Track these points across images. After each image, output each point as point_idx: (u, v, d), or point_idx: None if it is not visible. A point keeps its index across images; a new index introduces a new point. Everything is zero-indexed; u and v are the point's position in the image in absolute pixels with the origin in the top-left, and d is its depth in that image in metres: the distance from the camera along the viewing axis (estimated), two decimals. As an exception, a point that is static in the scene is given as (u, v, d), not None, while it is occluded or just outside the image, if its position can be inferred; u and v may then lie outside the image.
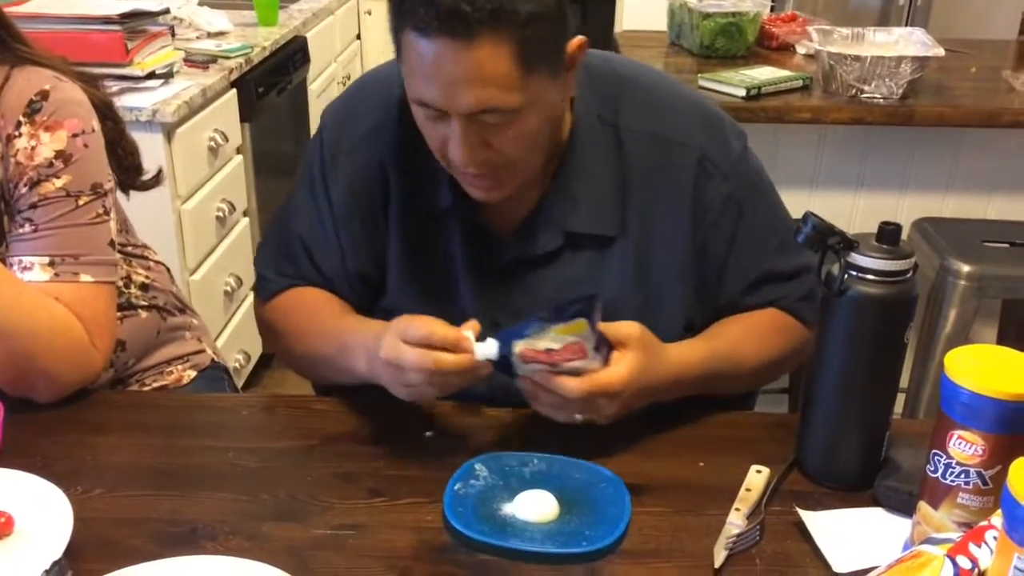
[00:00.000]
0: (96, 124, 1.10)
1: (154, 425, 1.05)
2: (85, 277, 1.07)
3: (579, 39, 0.95)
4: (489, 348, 0.90)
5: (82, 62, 1.87)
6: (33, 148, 1.04)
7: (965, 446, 0.76)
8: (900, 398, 2.00)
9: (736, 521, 0.87)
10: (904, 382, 2.01)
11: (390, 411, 1.02)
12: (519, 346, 0.89)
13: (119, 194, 1.20)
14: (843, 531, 0.87)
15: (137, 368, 1.26)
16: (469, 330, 0.91)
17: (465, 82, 0.88)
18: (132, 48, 1.98)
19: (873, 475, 0.93)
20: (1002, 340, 2.22)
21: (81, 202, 1.07)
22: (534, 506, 0.84)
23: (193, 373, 1.30)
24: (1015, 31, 3.68)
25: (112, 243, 1.11)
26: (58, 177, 1.05)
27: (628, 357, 0.91)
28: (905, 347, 0.92)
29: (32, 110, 1.05)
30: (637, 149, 1.04)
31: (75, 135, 1.07)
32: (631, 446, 0.98)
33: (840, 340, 0.91)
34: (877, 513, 0.91)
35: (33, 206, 1.05)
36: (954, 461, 0.77)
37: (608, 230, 1.05)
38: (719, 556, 0.83)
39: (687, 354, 1.00)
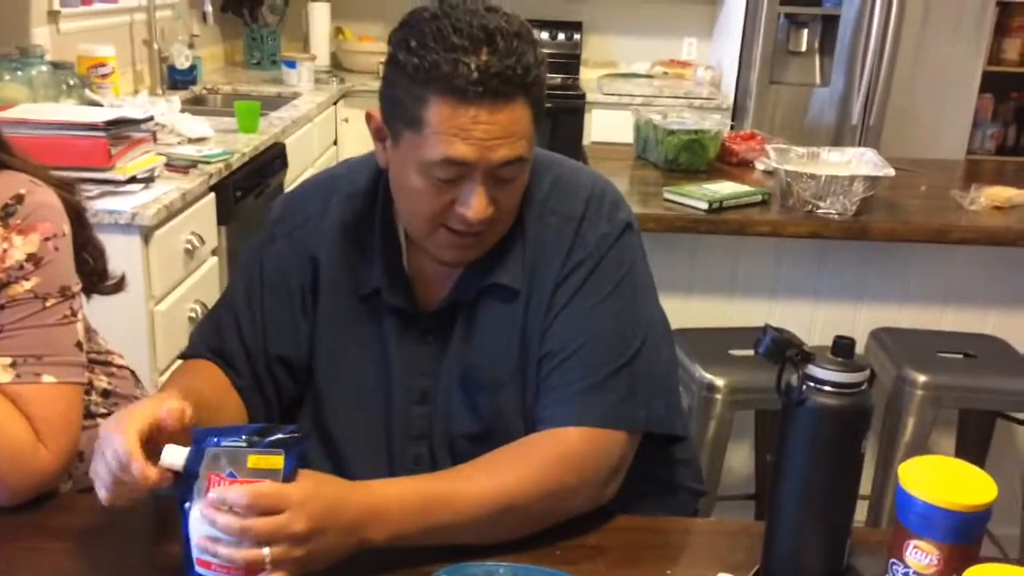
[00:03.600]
0: (67, 228, 1.13)
1: (121, 529, 1.03)
2: (47, 378, 1.07)
3: None
4: (175, 456, 0.88)
5: (65, 166, 1.94)
6: (4, 251, 1.06)
7: (921, 555, 0.78)
8: (863, 505, 2.03)
9: (703, 630, 0.88)
10: (866, 490, 2.05)
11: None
12: (204, 462, 0.86)
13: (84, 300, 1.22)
14: (808, 640, 0.89)
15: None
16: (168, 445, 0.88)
17: (502, 138, 0.98)
18: (115, 153, 2.02)
19: (836, 583, 0.95)
20: (960, 448, 2.26)
21: (48, 303, 1.08)
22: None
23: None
24: (963, 151, 3.88)
25: (79, 344, 1.12)
26: (27, 279, 1.07)
27: (300, 477, 0.88)
28: (862, 457, 0.95)
29: (6, 213, 1.07)
30: (537, 220, 1.10)
31: (47, 239, 1.09)
32: (598, 555, 0.99)
33: (800, 449, 0.95)
34: (841, 622, 0.92)
35: (0, 307, 1.07)
36: (911, 570, 0.79)
37: (515, 283, 1.10)
38: (686, 665, 0.84)
39: (392, 483, 0.97)
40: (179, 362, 1.21)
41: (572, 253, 1.09)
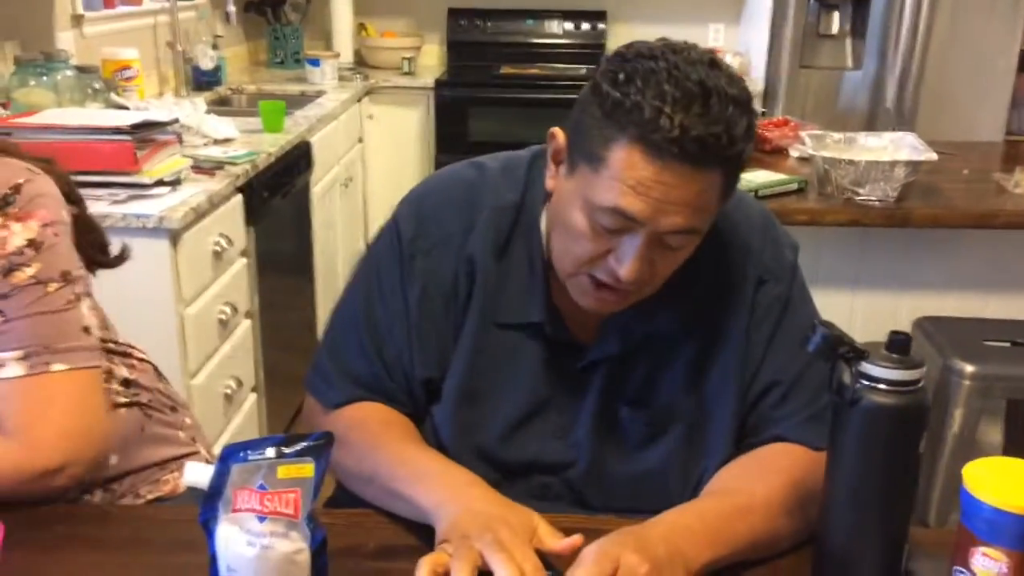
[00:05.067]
0: (66, 215, 1.12)
1: (153, 541, 1.02)
2: (58, 366, 1.06)
3: None
4: (199, 474, 0.86)
5: (91, 170, 1.93)
6: (4, 238, 1.05)
7: (990, 563, 0.74)
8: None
9: (758, 643, 0.85)
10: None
11: (397, 524, 1.00)
12: (231, 479, 0.83)
13: (109, 302, 1.19)
14: (868, 651, 0.85)
15: (123, 469, 1.22)
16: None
17: (682, 205, 0.90)
18: (141, 156, 2.01)
19: (893, 589, 0.91)
20: (1008, 440, 2.20)
21: (51, 288, 1.07)
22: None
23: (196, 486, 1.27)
24: (1001, 132, 3.78)
25: (87, 329, 1.10)
26: (29, 265, 1.06)
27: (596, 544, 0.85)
28: (920, 457, 0.91)
29: (5, 202, 1.06)
30: (704, 253, 1.02)
31: (46, 224, 1.08)
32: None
33: (854, 450, 0.90)
34: (900, 630, 0.88)
35: (4, 296, 1.05)
36: (979, 579, 0.75)
37: (675, 330, 1.05)
38: None
39: (674, 511, 0.94)
40: (316, 408, 1.12)
41: (761, 287, 1.06)
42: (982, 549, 0.74)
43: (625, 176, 0.90)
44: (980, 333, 2.02)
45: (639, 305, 1.02)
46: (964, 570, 0.76)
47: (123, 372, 1.24)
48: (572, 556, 0.86)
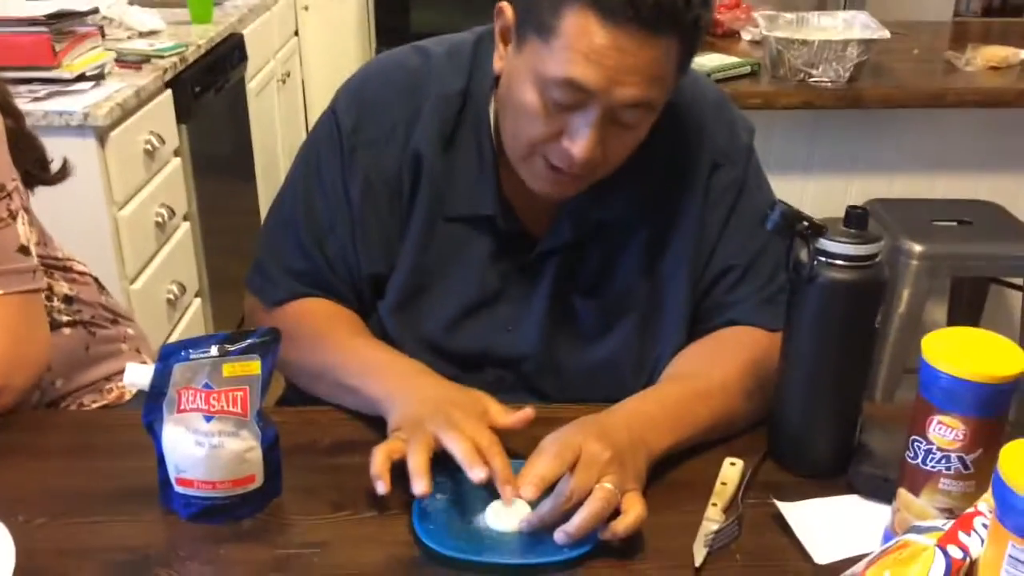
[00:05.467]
0: (0, 126, 1.03)
1: (99, 446, 0.99)
2: None
3: None
4: (139, 375, 0.83)
5: (7, 66, 1.81)
6: None
7: (946, 431, 0.74)
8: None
9: (714, 516, 0.85)
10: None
11: (351, 420, 0.98)
12: (173, 379, 0.81)
13: (36, 209, 1.13)
14: (821, 521, 0.86)
15: (67, 389, 1.18)
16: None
17: (636, 74, 0.86)
18: (60, 50, 1.89)
19: (847, 461, 0.91)
20: (952, 318, 2.25)
21: None
22: (507, 516, 0.81)
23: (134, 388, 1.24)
24: (949, 13, 3.75)
25: (23, 249, 1.03)
26: None
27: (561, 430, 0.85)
28: (876, 331, 0.90)
29: None
30: (658, 136, 0.98)
31: None
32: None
33: (811, 327, 0.90)
34: (854, 501, 0.89)
35: None
36: (935, 447, 0.76)
37: (629, 216, 1.03)
38: (699, 555, 0.81)
39: (632, 399, 0.94)
40: (258, 306, 1.08)
41: (715, 171, 1.02)
42: (939, 417, 0.74)
43: (578, 44, 0.85)
44: (928, 213, 2.03)
45: (592, 191, 0.99)
46: (922, 439, 0.76)
47: (64, 288, 1.19)
48: (531, 442, 0.85)
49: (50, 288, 1.15)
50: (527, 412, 0.88)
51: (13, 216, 1.03)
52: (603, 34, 0.84)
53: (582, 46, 0.85)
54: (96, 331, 1.22)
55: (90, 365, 1.21)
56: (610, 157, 0.94)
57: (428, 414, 0.86)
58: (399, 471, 0.83)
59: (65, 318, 1.17)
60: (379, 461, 0.83)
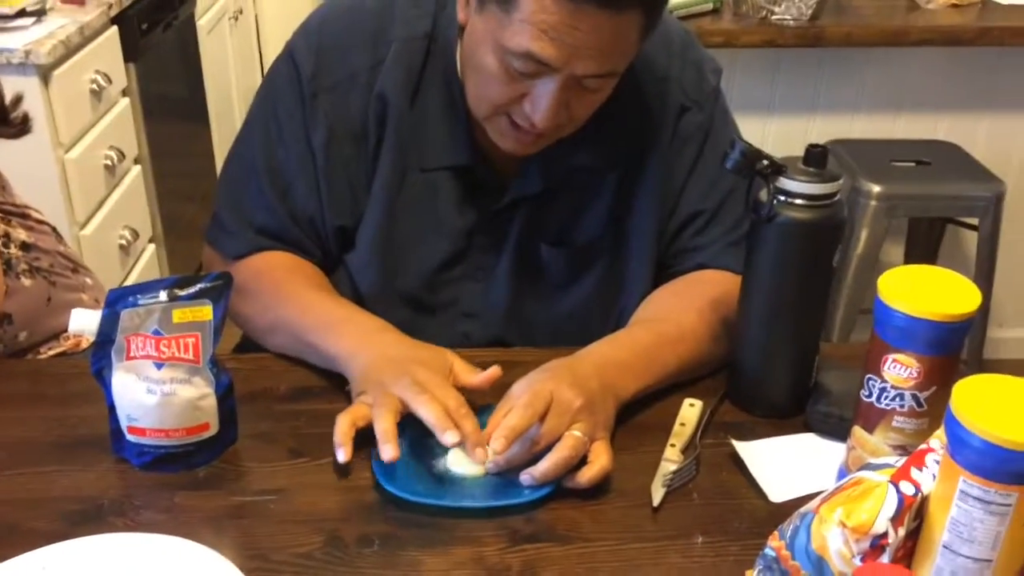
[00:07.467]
0: None
1: (50, 395, 0.97)
2: None
3: None
4: (86, 321, 0.81)
5: (-62, -1, 1.72)
6: None
7: (900, 369, 0.75)
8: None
9: (672, 457, 0.86)
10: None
11: (307, 366, 0.97)
12: (121, 325, 0.79)
13: None
14: (777, 460, 0.87)
15: (31, 342, 1.16)
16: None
17: (597, 49, 0.84)
18: (-4, -17, 1.81)
19: (804, 401, 0.92)
20: (908, 259, 2.28)
21: None
22: (469, 460, 0.81)
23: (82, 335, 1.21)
24: (911, -50, 3.72)
25: None
26: None
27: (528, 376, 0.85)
28: (834, 271, 0.90)
29: None
30: (625, 83, 0.96)
31: None
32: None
33: (769, 267, 0.90)
34: (810, 439, 0.91)
35: None
36: (889, 385, 0.76)
37: (597, 164, 1.01)
38: (657, 494, 0.81)
39: (602, 343, 0.93)
40: (216, 259, 1.05)
41: (683, 116, 1.00)
42: (894, 356, 0.75)
43: (537, 19, 0.82)
44: (887, 153, 2.04)
45: (561, 141, 0.97)
46: (876, 377, 0.77)
47: (22, 235, 1.16)
48: (500, 388, 0.85)
49: (7, 235, 1.13)
50: (494, 371, 0.87)
51: None
52: (563, 12, 0.81)
53: (541, 22, 0.82)
54: (56, 280, 1.19)
55: (52, 316, 1.18)
56: (574, 117, 0.92)
57: (393, 376, 0.84)
58: (362, 433, 0.83)
59: (23, 265, 1.15)
60: (343, 429, 0.82)
